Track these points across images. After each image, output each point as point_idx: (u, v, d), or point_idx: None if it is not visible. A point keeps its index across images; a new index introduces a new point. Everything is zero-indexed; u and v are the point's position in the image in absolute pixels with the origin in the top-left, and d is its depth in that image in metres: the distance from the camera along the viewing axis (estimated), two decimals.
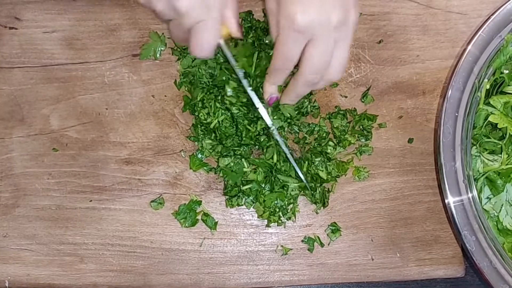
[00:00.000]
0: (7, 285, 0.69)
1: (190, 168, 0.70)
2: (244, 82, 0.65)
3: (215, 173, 0.70)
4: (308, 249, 0.70)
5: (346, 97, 0.73)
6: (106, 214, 0.70)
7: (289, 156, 0.68)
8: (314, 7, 0.56)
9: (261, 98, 0.66)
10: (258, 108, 0.66)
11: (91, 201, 0.70)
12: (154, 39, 0.72)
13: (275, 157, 0.68)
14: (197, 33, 0.60)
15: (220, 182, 0.71)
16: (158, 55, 0.72)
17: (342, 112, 0.72)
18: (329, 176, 0.69)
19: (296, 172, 0.68)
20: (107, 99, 0.72)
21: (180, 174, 0.71)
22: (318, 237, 0.70)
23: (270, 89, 0.66)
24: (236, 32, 0.62)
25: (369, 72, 0.73)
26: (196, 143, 0.70)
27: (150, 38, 0.72)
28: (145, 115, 0.72)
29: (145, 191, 0.70)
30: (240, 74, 0.65)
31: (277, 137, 0.67)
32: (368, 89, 0.73)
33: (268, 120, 0.66)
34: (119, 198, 0.70)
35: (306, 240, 0.70)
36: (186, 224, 0.69)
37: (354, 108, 0.72)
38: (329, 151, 0.70)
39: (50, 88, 0.72)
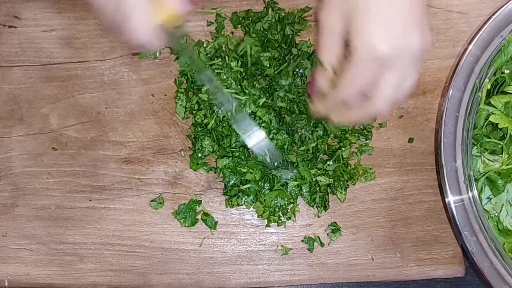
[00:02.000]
0: (6, 284, 0.69)
1: (190, 168, 0.70)
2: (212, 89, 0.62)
3: (215, 172, 0.70)
4: (308, 249, 0.70)
5: None
6: (106, 213, 0.70)
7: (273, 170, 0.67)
8: (397, 30, 0.50)
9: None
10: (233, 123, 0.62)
11: (90, 200, 0.70)
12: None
13: (268, 157, 0.68)
14: (123, 20, 0.51)
15: (220, 181, 0.70)
16: (157, 54, 0.72)
17: None
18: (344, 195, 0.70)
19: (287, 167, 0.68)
20: (106, 98, 0.71)
21: (180, 174, 0.70)
22: (318, 237, 0.70)
23: (319, 108, 0.61)
24: (177, 10, 0.53)
25: None
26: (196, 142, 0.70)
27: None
28: (144, 114, 0.71)
29: (145, 191, 0.70)
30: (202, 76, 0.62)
31: (260, 156, 0.66)
32: None
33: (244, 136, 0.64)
34: (119, 197, 0.70)
35: (306, 240, 0.70)
36: (186, 224, 0.69)
37: None
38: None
39: (50, 87, 0.71)
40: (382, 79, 0.52)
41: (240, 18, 0.71)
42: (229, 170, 0.68)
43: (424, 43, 0.51)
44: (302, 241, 0.70)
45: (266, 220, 0.70)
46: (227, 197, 0.69)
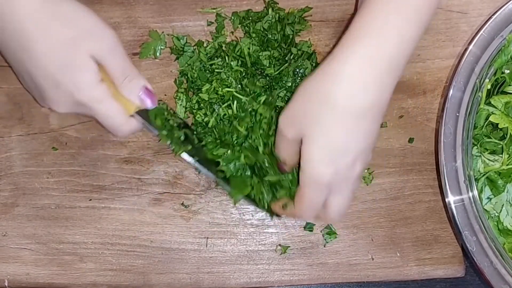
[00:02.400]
0: (6, 284, 0.69)
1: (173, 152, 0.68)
2: (186, 157, 0.65)
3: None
4: (307, 229, 0.70)
5: None
6: (106, 213, 0.70)
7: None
8: (341, 159, 0.55)
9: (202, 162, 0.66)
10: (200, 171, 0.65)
11: (90, 200, 0.70)
12: (154, 37, 0.72)
13: (260, 148, 0.67)
14: (103, 122, 0.61)
15: None
16: (158, 54, 0.72)
17: None
18: None
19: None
20: None
21: (180, 174, 0.71)
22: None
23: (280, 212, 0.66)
24: (143, 105, 0.63)
25: None
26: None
27: (150, 37, 0.71)
28: None
29: (145, 190, 0.70)
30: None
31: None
32: None
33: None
34: (119, 197, 0.70)
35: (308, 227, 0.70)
36: None
37: None
38: None
39: None
40: (331, 200, 0.58)
41: (241, 18, 0.72)
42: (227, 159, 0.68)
43: (366, 163, 0.58)
44: (304, 228, 0.70)
45: (265, 220, 0.70)
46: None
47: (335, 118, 0.54)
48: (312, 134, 0.55)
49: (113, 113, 0.60)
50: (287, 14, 0.71)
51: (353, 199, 0.62)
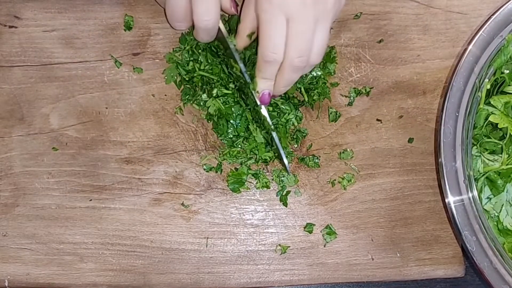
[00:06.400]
0: (6, 284, 0.69)
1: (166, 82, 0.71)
2: (236, 56, 0.65)
3: (216, 172, 0.70)
4: (308, 230, 0.70)
5: (346, 96, 0.72)
6: (106, 213, 0.70)
7: (274, 134, 0.66)
8: None
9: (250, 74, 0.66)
10: (248, 83, 0.65)
11: (91, 200, 0.70)
12: (170, 62, 0.72)
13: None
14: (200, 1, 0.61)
15: (220, 181, 0.70)
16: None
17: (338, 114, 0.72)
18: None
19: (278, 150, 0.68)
20: (107, 98, 0.71)
21: (180, 174, 0.71)
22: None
23: (263, 85, 0.64)
24: (229, 9, 0.65)
25: (369, 71, 0.73)
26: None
27: (167, 61, 0.72)
28: (145, 114, 0.71)
29: (145, 191, 0.70)
30: (232, 47, 0.65)
31: (264, 113, 0.66)
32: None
33: (257, 99, 0.65)
34: (119, 197, 0.70)
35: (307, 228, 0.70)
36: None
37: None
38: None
39: (50, 87, 0.71)
40: (289, 32, 0.59)
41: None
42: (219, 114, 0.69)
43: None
44: (304, 228, 0.70)
45: (266, 220, 0.70)
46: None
47: None
48: None
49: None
50: None
51: (326, 40, 0.62)
